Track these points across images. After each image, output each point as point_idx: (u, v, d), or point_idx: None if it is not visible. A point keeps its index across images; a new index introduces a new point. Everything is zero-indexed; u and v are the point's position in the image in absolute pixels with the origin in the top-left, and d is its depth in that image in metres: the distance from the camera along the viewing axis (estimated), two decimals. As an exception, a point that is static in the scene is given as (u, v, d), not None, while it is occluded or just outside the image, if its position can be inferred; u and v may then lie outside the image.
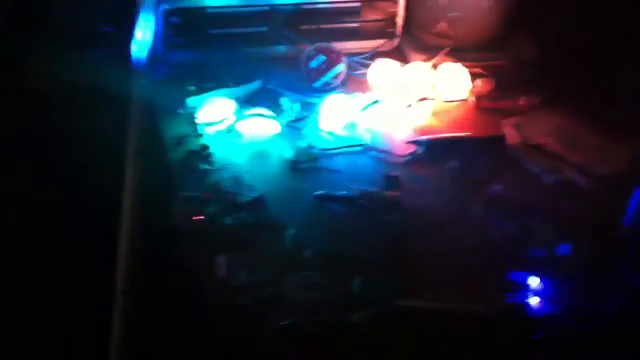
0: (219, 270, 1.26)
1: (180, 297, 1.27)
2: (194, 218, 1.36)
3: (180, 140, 1.65)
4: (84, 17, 1.87)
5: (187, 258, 1.29)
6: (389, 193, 1.49)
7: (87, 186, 1.65)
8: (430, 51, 2.03)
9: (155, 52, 1.83)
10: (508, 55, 2.03)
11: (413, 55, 2.05)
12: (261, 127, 1.67)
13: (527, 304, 1.22)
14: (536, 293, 1.24)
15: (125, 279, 1.22)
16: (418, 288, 1.25)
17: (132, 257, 1.26)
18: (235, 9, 1.96)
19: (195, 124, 1.69)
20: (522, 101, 1.84)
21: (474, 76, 1.91)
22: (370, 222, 1.42)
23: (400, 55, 2.07)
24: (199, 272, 1.27)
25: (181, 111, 1.74)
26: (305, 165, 1.60)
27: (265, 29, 1.98)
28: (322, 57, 1.86)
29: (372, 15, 2.06)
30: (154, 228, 1.40)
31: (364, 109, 1.71)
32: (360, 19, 2.06)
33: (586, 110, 1.74)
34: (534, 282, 1.25)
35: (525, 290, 1.24)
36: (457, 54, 2.01)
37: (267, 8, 1.96)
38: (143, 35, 1.77)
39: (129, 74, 1.72)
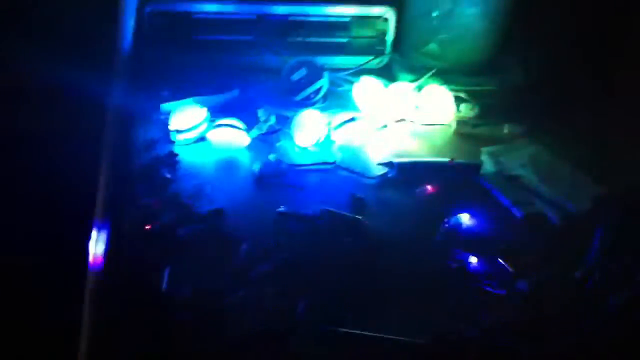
0: (162, 283, 1.23)
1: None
2: (145, 227, 1.33)
3: (149, 145, 1.62)
4: (67, 15, 1.85)
5: (133, 266, 1.26)
6: (350, 215, 1.45)
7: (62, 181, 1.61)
8: (418, 71, 1.98)
9: (136, 54, 1.80)
10: (496, 81, 1.98)
11: (401, 74, 2.00)
12: (232, 137, 1.64)
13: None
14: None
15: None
16: (362, 313, 1.20)
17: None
18: (221, 16, 1.93)
19: (167, 130, 1.66)
20: (506, 129, 1.80)
21: (459, 101, 1.86)
22: (326, 244, 1.38)
23: (388, 73, 2.03)
24: (142, 282, 1.24)
25: (155, 116, 1.71)
26: (272, 180, 1.56)
27: (251, 38, 1.94)
28: (304, 71, 1.83)
29: (361, 32, 2.01)
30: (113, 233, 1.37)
31: (339, 126, 1.67)
32: (349, 35, 2.01)
33: (566, 143, 1.70)
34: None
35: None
36: (445, 76, 1.96)
37: (254, 17, 1.93)
38: (125, 36, 1.75)
39: (108, 75, 1.70)
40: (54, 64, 1.74)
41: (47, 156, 1.69)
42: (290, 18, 1.95)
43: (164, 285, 1.23)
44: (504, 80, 1.98)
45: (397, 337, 1.17)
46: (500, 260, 1.35)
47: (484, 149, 1.70)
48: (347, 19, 1.98)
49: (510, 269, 1.33)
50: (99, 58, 1.73)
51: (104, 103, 1.59)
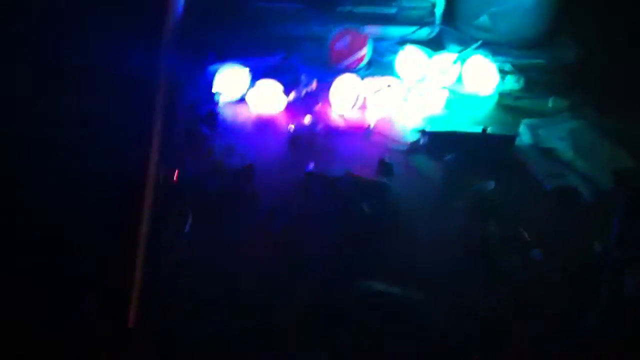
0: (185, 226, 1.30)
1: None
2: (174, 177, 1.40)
3: (192, 105, 1.70)
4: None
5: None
6: (374, 179, 1.47)
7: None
8: (469, 44, 1.96)
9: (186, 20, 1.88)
10: (547, 56, 1.93)
11: (451, 46, 1.99)
12: (270, 100, 1.69)
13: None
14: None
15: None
16: (370, 272, 1.23)
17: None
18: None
19: (210, 92, 1.73)
20: (550, 103, 1.76)
21: (504, 73, 1.83)
22: (346, 205, 1.41)
23: (439, 45, 2.02)
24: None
25: (202, 79, 1.79)
26: (305, 142, 1.60)
27: (299, 6, 1.98)
28: (347, 39, 1.86)
29: (410, 2, 2.01)
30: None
31: (377, 91, 1.69)
32: (399, 5, 2.01)
33: (610, 120, 1.65)
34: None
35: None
36: (494, 49, 1.93)
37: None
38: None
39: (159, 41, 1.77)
40: (104, 32, 1.83)
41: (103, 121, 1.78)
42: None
43: (187, 228, 1.29)
44: (554, 56, 1.94)
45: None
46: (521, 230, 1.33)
47: (524, 121, 1.67)
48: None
49: (527, 238, 1.31)
50: (150, 25, 1.81)
51: (155, 68, 1.68)
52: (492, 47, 1.94)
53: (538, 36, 1.97)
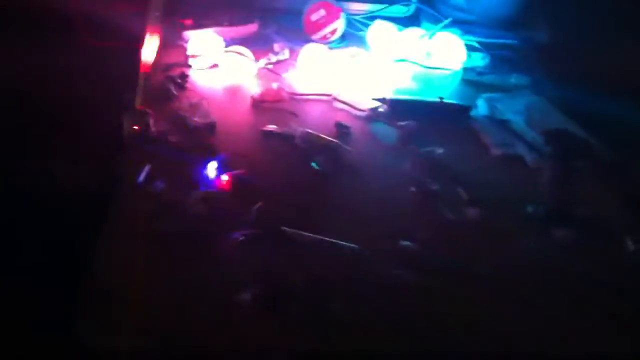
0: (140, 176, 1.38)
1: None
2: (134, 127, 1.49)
3: (167, 67, 1.78)
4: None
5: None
6: (329, 138, 1.54)
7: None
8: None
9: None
10: (517, 36, 1.99)
11: (425, 23, 2.06)
12: (241, 66, 1.77)
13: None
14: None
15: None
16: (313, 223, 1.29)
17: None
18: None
19: (185, 56, 1.81)
20: (512, 79, 1.82)
21: (472, 50, 1.89)
22: (299, 160, 1.48)
23: (415, 23, 2.08)
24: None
25: (179, 43, 1.87)
26: (269, 104, 1.68)
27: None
28: (322, 12, 1.93)
29: (387, -20, 2.08)
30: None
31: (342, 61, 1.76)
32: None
33: (568, 98, 1.70)
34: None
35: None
36: (467, 27, 2.00)
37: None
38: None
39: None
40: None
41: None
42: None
43: (140, 179, 1.37)
44: (525, 37, 1.99)
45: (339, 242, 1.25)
46: (459, 189, 1.40)
47: (483, 95, 1.73)
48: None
49: (465, 197, 1.38)
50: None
51: (140, 31, 1.77)
52: (465, 25, 2.01)
53: (511, 17, 2.02)
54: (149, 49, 1.77)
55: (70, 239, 1.33)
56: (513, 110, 1.67)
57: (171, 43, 1.88)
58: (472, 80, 1.84)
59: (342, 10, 1.95)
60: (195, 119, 1.58)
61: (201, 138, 1.54)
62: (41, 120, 1.64)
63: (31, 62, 1.74)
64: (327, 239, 1.25)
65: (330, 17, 1.93)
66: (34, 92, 1.68)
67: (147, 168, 1.41)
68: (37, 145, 1.59)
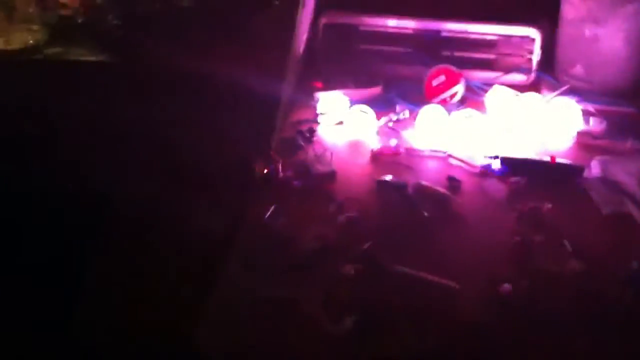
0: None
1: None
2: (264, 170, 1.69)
3: (298, 123, 1.99)
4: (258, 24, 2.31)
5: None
6: (441, 190, 1.65)
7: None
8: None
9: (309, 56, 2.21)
10: (635, 105, 2.01)
11: (545, 92, 2.13)
12: (364, 123, 1.94)
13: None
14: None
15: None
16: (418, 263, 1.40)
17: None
18: (383, 30, 2.26)
19: (315, 114, 2.02)
20: (628, 144, 1.84)
21: (589, 115, 1.95)
22: (410, 208, 1.60)
23: (535, 91, 2.17)
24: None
25: (310, 103, 2.09)
26: (387, 158, 1.83)
27: (405, 50, 2.24)
28: (442, 77, 2.07)
29: (508, 50, 2.19)
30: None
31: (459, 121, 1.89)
32: (497, 52, 2.20)
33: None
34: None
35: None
36: (586, 95, 2.05)
37: (410, 32, 2.22)
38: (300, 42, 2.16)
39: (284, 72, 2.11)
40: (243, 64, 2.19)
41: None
42: (443, 34, 2.21)
43: (266, 217, 1.55)
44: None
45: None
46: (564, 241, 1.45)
47: (597, 157, 1.77)
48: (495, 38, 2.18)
49: (569, 249, 1.42)
50: (279, 59, 2.16)
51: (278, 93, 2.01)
52: (584, 93, 2.07)
53: (629, 86, 2.06)
54: (284, 107, 2.00)
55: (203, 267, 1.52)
56: (625, 172, 1.69)
57: (303, 102, 2.10)
58: (587, 144, 1.88)
59: (462, 75, 2.08)
60: (319, 167, 1.75)
61: (322, 184, 1.71)
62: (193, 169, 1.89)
63: (180, 118, 2.02)
64: (430, 276, 1.35)
65: (451, 82, 2.07)
66: (184, 143, 1.94)
67: (272, 207, 1.59)
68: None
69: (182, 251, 1.65)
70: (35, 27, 2.26)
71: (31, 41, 2.23)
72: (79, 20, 2.30)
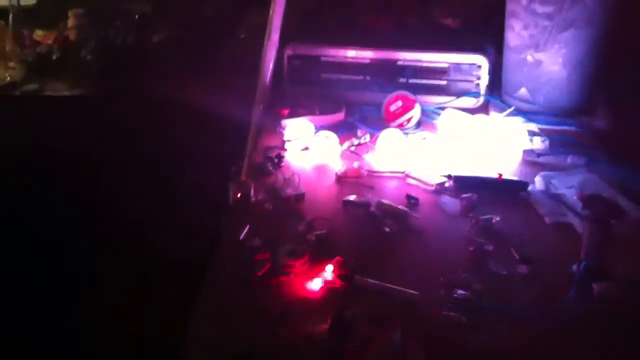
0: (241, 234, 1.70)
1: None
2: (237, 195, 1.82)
3: (267, 149, 2.13)
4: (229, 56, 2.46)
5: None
6: (400, 207, 1.80)
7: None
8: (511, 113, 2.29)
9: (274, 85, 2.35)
10: (577, 123, 2.21)
11: (493, 114, 2.32)
12: (328, 148, 2.09)
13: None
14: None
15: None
16: (381, 274, 1.54)
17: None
18: (344, 60, 2.43)
19: (282, 140, 2.16)
20: (569, 160, 2.03)
21: (533, 134, 2.13)
22: (373, 224, 1.75)
23: (484, 112, 2.35)
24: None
25: (277, 129, 2.23)
26: (350, 180, 1.98)
27: (367, 78, 2.41)
28: (399, 103, 2.24)
29: (458, 76, 2.37)
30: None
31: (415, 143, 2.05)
32: (448, 78, 2.38)
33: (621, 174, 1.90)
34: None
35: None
36: (531, 116, 2.25)
37: (368, 62, 2.40)
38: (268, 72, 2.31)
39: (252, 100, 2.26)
40: (215, 92, 2.33)
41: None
42: (399, 63, 2.39)
43: (241, 236, 1.68)
44: (585, 123, 2.21)
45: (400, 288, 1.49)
46: (512, 249, 1.61)
47: (541, 173, 1.95)
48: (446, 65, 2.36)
49: (516, 256, 1.58)
50: (248, 88, 2.30)
51: (248, 120, 2.15)
52: (528, 114, 2.26)
53: (569, 105, 2.26)
54: (253, 134, 2.14)
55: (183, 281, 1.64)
56: (566, 186, 1.87)
57: (271, 129, 2.24)
58: (532, 161, 2.06)
59: (417, 101, 2.25)
60: (288, 190, 1.89)
61: (292, 205, 1.85)
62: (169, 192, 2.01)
63: (157, 145, 2.15)
64: (392, 286, 1.50)
65: (407, 107, 2.24)
66: (161, 167, 2.07)
67: (247, 228, 1.72)
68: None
69: (162, 270, 1.77)
70: (12, 64, 2.36)
71: (9, 78, 2.33)
72: (54, 57, 2.41)
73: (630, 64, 2.27)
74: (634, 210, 1.70)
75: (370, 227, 1.75)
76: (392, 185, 1.98)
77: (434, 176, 1.97)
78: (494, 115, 2.31)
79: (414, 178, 1.98)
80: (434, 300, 1.47)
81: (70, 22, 2.59)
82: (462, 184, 1.91)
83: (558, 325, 1.39)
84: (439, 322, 1.41)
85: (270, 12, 2.23)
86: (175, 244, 1.74)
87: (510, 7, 2.30)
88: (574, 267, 1.53)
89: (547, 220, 1.76)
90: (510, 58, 2.35)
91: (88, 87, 2.38)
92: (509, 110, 2.25)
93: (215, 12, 2.63)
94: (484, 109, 2.39)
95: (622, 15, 2.16)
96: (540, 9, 2.18)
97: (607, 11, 2.13)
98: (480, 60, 2.32)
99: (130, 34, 2.51)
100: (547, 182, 1.91)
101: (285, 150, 2.14)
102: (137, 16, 2.63)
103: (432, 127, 2.26)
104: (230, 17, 2.59)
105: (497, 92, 2.43)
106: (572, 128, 2.22)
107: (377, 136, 2.13)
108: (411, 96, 2.26)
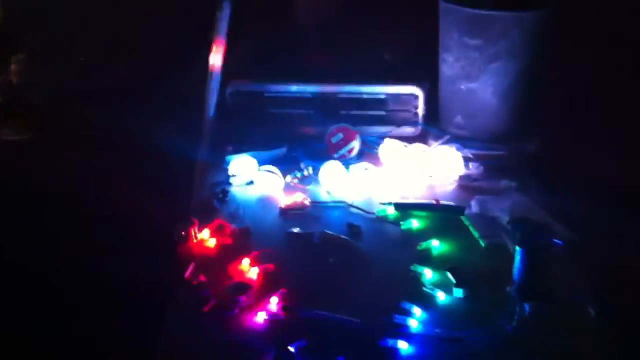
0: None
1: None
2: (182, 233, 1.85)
3: (212, 185, 2.17)
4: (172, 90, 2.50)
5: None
6: (342, 237, 1.86)
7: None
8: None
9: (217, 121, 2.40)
10: (507, 147, 2.31)
11: (432, 141, 2.41)
12: (272, 182, 2.15)
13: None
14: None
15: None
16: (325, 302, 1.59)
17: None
18: (286, 95, 2.50)
19: (227, 175, 2.20)
20: (502, 184, 2.13)
21: (468, 161, 2.23)
22: (316, 255, 1.81)
23: (423, 140, 2.44)
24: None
25: (222, 165, 2.27)
26: (295, 211, 2.03)
27: (305, 111, 2.48)
28: (340, 135, 2.32)
29: (396, 107, 2.47)
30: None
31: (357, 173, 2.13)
32: (387, 109, 2.47)
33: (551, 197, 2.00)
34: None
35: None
36: (465, 142, 2.34)
37: (310, 96, 2.47)
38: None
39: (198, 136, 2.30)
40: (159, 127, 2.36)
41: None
42: (340, 96, 2.47)
43: (186, 274, 1.72)
44: (515, 148, 2.32)
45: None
46: (448, 274, 1.68)
47: (476, 197, 2.04)
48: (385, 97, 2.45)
49: (454, 280, 1.65)
50: (193, 123, 2.34)
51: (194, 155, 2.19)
52: (464, 140, 2.36)
53: (500, 131, 2.37)
54: (198, 171, 2.18)
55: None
56: (499, 208, 1.96)
57: (216, 165, 2.28)
58: (467, 186, 2.15)
59: (358, 132, 2.33)
60: (233, 225, 1.93)
61: (237, 240, 1.89)
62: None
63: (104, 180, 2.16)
64: (336, 315, 1.55)
65: (348, 139, 2.31)
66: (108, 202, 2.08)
67: (191, 265, 1.75)
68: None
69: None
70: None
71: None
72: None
73: (556, 93, 2.40)
74: (564, 232, 1.79)
75: (314, 258, 1.80)
76: (335, 215, 2.04)
77: (376, 205, 2.04)
78: (431, 143, 2.39)
79: (356, 207, 2.04)
80: (375, 327, 1.52)
81: (13, 67, 2.60)
82: (402, 211, 1.99)
83: (492, 345, 1.46)
84: (379, 349, 1.46)
85: (213, 50, 2.29)
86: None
87: (444, 41, 2.40)
88: (508, 288, 1.61)
89: (483, 242, 1.84)
90: (445, 88, 2.45)
91: (36, 130, 2.39)
92: (445, 138, 2.34)
93: (160, 54, 2.67)
94: (422, 137, 2.48)
95: (546, 47, 2.29)
96: (470, 42, 2.29)
97: (531, 44, 2.25)
98: (417, 91, 2.41)
99: (76, 78, 2.53)
100: (482, 205, 1.99)
101: (230, 184, 2.18)
102: (82, 58, 2.65)
103: (373, 157, 2.34)
104: (175, 58, 2.63)
105: (435, 121, 2.52)
106: (502, 152, 2.32)
107: (320, 168, 2.19)
108: (352, 128, 2.34)
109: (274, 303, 1.59)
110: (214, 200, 2.08)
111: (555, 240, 1.61)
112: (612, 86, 2.35)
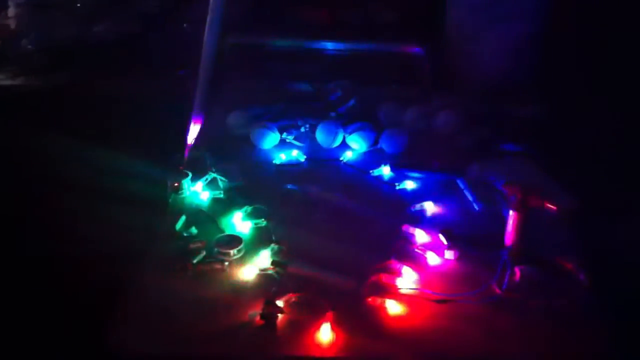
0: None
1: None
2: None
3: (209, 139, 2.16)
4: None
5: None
6: (334, 195, 1.85)
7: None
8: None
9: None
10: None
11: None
12: (268, 137, 2.12)
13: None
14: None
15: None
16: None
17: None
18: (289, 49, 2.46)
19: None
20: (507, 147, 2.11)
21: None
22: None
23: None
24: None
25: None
26: (290, 168, 2.02)
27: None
28: (338, 93, 2.29)
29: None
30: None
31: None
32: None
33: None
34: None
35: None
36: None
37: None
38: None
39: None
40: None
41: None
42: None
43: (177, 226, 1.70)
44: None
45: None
46: (440, 235, 1.67)
47: (475, 162, 2.01)
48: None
49: (445, 243, 1.64)
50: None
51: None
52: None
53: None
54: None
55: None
56: (500, 173, 1.93)
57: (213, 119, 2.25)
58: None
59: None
60: (228, 179, 1.91)
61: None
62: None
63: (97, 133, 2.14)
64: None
65: (346, 97, 2.29)
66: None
67: (183, 217, 1.74)
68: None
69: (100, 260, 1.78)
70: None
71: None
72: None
73: (565, 59, 2.36)
74: (565, 197, 1.77)
75: (307, 214, 1.79)
76: (330, 171, 2.03)
77: (375, 165, 2.02)
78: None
79: (351, 165, 2.02)
80: (364, 285, 1.51)
81: (10, 11, 2.56)
82: (402, 173, 1.97)
83: (481, 307, 1.45)
84: (366, 306, 1.45)
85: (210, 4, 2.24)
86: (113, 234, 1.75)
87: None
88: (500, 252, 1.59)
89: (477, 205, 1.82)
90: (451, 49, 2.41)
91: (28, 78, 2.36)
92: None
93: (158, 5, 2.63)
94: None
95: (555, 12, 2.24)
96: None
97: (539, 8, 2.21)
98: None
99: (72, 25, 2.49)
100: (482, 169, 1.97)
101: (225, 140, 2.16)
102: (78, 5, 2.61)
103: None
104: (172, 10, 2.59)
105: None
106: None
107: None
108: (349, 87, 2.32)
109: (264, 257, 1.57)
110: (207, 155, 2.04)
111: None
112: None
